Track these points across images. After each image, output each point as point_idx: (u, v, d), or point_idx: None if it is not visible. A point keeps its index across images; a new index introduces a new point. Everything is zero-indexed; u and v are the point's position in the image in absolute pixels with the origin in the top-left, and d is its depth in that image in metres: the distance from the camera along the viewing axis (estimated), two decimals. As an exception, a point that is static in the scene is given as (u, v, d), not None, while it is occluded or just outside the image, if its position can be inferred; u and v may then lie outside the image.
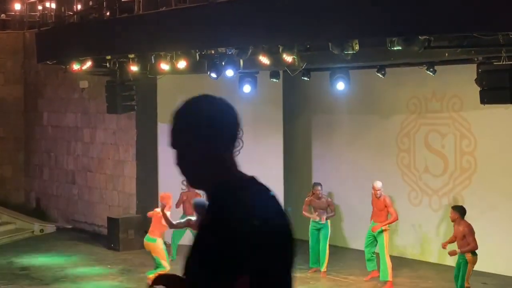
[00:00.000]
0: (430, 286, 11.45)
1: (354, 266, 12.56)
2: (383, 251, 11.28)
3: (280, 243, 2.51)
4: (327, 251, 12.18)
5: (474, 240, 9.92)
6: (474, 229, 12.21)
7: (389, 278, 11.27)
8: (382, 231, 11.41)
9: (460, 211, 10.15)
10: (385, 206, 11.42)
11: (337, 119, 14.60)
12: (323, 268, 12.11)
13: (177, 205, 13.14)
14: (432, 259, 12.96)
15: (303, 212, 12.23)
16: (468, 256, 9.84)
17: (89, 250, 14.61)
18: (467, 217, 12.35)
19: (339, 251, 13.67)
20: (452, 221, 10.17)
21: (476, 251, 9.95)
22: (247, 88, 13.31)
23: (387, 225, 11.45)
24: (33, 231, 16.63)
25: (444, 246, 10.23)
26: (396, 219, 11.50)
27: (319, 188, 12.23)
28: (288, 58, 10.37)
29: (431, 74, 11.44)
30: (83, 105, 16.75)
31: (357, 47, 9.35)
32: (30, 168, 18.38)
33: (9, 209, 17.50)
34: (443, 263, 12.79)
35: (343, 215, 14.10)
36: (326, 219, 12.02)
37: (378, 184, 11.56)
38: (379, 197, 11.45)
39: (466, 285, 9.85)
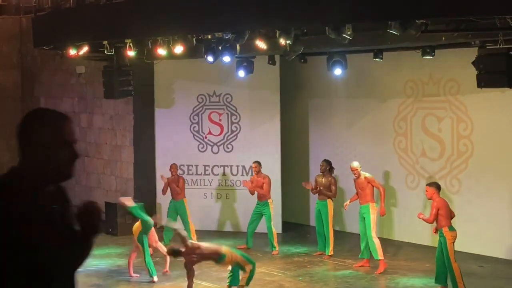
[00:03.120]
0: (427, 269, 11.50)
1: (350, 249, 12.61)
2: (370, 230, 11.30)
3: None
4: (330, 235, 12.25)
5: (447, 214, 9.86)
6: (471, 212, 12.29)
7: (380, 257, 11.28)
8: (369, 211, 11.36)
9: (435, 187, 10.08)
10: (368, 183, 11.39)
11: (334, 103, 14.61)
12: (329, 252, 12.21)
13: (163, 191, 13.24)
14: (429, 243, 13.02)
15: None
16: (446, 231, 9.87)
17: (87, 235, 14.62)
18: (466, 200, 12.43)
19: (336, 235, 13.72)
20: (429, 198, 10.11)
21: (453, 226, 9.93)
22: (241, 73, 13.31)
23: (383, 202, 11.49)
24: (31, 216, 16.66)
25: (435, 231, 10.21)
26: (384, 189, 11.61)
27: (323, 163, 12.37)
28: (283, 42, 10.36)
29: (428, 58, 11.44)
30: (80, 90, 16.73)
31: (349, 32, 9.35)
32: (27, 154, 18.35)
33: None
34: (439, 247, 12.86)
35: (340, 199, 14.12)
36: (318, 193, 12.13)
37: (354, 164, 11.62)
38: (358, 177, 11.48)
39: (453, 264, 9.87)
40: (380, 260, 11.31)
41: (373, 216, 11.37)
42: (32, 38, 14.50)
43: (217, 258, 9.51)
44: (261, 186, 12.69)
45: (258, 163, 12.84)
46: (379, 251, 11.29)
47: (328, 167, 12.34)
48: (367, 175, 11.53)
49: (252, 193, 12.83)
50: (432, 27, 9.66)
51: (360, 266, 11.57)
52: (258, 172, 12.76)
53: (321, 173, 12.37)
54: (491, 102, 12.00)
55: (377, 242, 11.33)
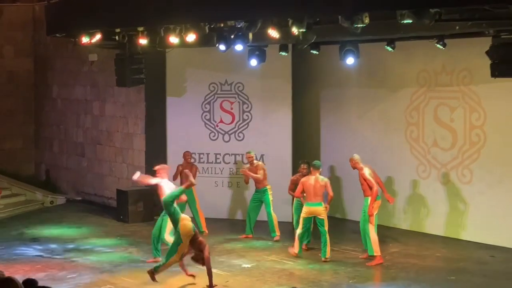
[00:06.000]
0: (438, 258, 11.51)
1: (356, 239, 12.57)
2: (367, 225, 11.11)
3: None
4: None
5: (305, 191, 11.46)
6: (482, 202, 12.29)
7: (376, 253, 11.12)
8: (366, 205, 11.11)
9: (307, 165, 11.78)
10: (364, 180, 11.18)
11: (346, 93, 14.58)
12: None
13: (174, 177, 13.25)
14: (440, 232, 13.02)
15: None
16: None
17: (99, 222, 14.73)
18: (477, 190, 12.41)
19: (344, 224, 13.75)
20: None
21: (304, 202, 11.47)
22: (254, 62, 13.29)
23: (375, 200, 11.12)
24: (43, 203, 16.78)
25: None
26: (375, 193, 11.01)
27: (305, 166, 12.05)
28: (296, 31, 10.33)
29: (441, 47, 11.37)
30: (92, 78, 16.78)
31: (367, 21, 9.29)
32: (40, 141, 18.47)
33: (20, 181, 17.64)
34: (450, 236, 12.85)
35: (350, 188, 14.10)
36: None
37: (352, 157, 11.42)
38: (354, 169, 11.36)
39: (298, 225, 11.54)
40: (375, 256, 11.15)
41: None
42: (45, 25, 14.53)
43: None
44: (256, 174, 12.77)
45: (252, 153, 12.99)
46: (375, 247, 11.09)
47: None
48: (364, 171, 11.15)
49: (247, 182, 12.93)
50: (446, 16, 9.59)
51: (366, 257, 11.36)
52: (252, 162, 12.85)
53: (302, 175, 11.95)
54: (505, 92, 11.93)
55: (373, 237, 11.09)
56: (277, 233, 12.73)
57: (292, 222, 12.69)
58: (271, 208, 12.74)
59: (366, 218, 11.17)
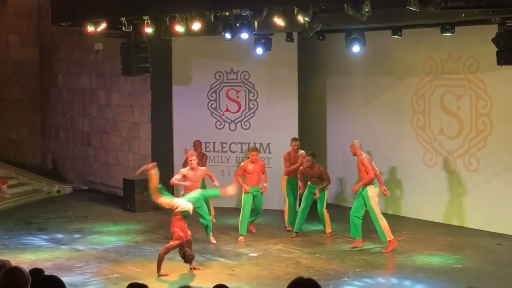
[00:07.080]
0: (444, 247, 11.50)
1: (366, 227, 12.57)
2: (374, 213, 11.09)
3: None
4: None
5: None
6: (489, 190, 12.25)
7: (388, 238, 11.20)
8: (367, 193, 11.09)
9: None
10: (363, 165, 11.12)
11: (352, 81, 14.55)
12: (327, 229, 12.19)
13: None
14: (446, 220, 13.01)
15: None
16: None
17: (105, 211, 14.77)
18: (484, 178, 12.37)
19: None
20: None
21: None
22: (260, 50, 13.27)
23: (368, 185, 11.07)
24: (49, 192, 16.82)
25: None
26: (369, 178, 11.02)
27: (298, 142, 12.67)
28: (301, 19, 10.29)
29: (448, 35, 11.32)
30: (98, 67, 16.78)
31: (367, 9, 9.25)
32: (46, 130, 18.51)
33: (26, 170, 17.69)
34: (456, 224, 12.84)
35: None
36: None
37: (354, 143, 11.40)
38: (354, 155, 11.35)
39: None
40: (389, 240, 11.21)
41: (372, 198, 11.10)
42: (50, 14, 14.51)
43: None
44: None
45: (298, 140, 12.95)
46: (387, 233, 11.12)
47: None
48: (364, 158, 11.16)
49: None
50: (452, 3, 9.54)
51: (353, 247, 11.31)
52: (298, 150, 12.78)
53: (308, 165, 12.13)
54: (511, 80, 11.88)
55: (383, 223, 11.10)
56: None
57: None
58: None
59: (369, 206, 11.14)
